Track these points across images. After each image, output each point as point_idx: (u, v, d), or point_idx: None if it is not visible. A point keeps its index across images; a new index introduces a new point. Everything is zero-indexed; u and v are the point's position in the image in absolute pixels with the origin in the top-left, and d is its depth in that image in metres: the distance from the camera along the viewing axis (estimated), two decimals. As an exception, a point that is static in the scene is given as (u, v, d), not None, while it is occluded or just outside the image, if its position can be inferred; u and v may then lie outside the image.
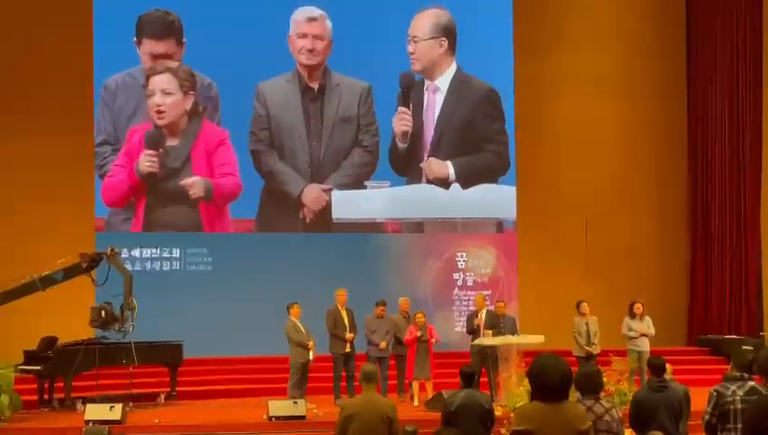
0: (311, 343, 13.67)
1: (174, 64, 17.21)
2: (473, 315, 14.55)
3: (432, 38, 18.35)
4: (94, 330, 14.10)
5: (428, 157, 18.27)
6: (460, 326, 16.88)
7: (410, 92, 18.18)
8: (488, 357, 13.84)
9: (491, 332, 14.03)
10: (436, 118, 18.35)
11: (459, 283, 18.42)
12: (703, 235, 19.20)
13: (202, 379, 15.70)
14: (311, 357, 13.67)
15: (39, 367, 13.46)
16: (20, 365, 13.33)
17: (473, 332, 14.30)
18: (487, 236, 18.65)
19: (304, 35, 17.81)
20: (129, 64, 17.24)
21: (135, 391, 13.76)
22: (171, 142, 17.24)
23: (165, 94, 17.15)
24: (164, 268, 17.21)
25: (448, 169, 18.26)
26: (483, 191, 18.44)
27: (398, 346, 14.38)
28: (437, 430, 7.51)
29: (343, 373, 14.11)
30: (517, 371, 12.75)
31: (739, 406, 6.68)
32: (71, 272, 13.61)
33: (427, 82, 18.37)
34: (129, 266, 15.17)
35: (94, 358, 13.47)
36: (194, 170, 17.25)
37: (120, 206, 17.07)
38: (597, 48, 19.19)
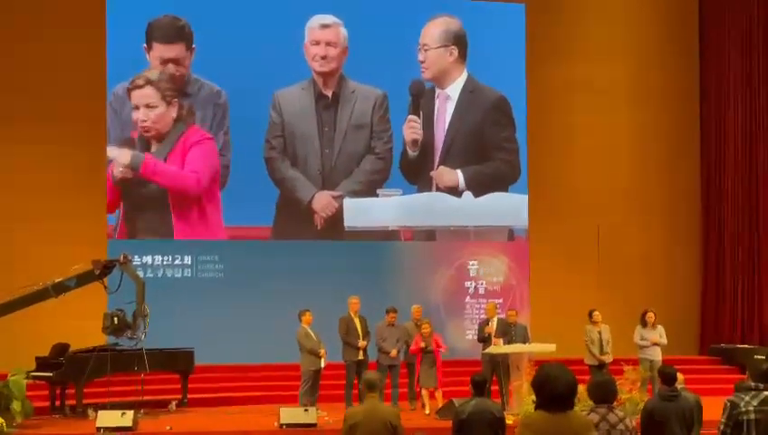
0: (322, 351, 13.66)
1: (155, 74, 17.21)
2: (484, 323, 14.53)
3: (442, 46, 18.37)
4: (106, 337, 14.11)
5: (438, 165, 18.28)
6: (471, 334, 16.86)
7: (420, 101, 18.20)
8: (499, 365, 13.82)
9: (501, 340, 14.02)
10: (446, 126, 18.37)
11: (471, 291, 18.40)
12: (715, 244, 19.15)
13: (213, 386, 15.70)
14: (322, 365, 13.67)
15: (51, 374, 13.49)
16: (32, 372, 13.35)
17: (484, 340, 14.28)
18: (499, 245, 18.63)
19: (317, 42, 17.87)
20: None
21: (146, 397, 13.77)
22: (154, 148, 17.28)
23: (148, 108, 17.19)
24: (176, 275, 17.23)
25: (458, 177, 18.27)
26: (494, 199, 18.44)
27: (410, 354, 14.37)
28: (448, 439, 7.50)
29: (355, 381, 14.09)
30: (528, 379, 12.71)
31: (753, 416, 6.66)
32: (83, 279, 13.64)
33: (437, 91, 18.38)
34: (140, 273, 15.20)
35: (106, 365, 13.48)
36: (172, 175, 17.24)
37: (110, 212, 17.10)
38: (609, 57, 19.18)
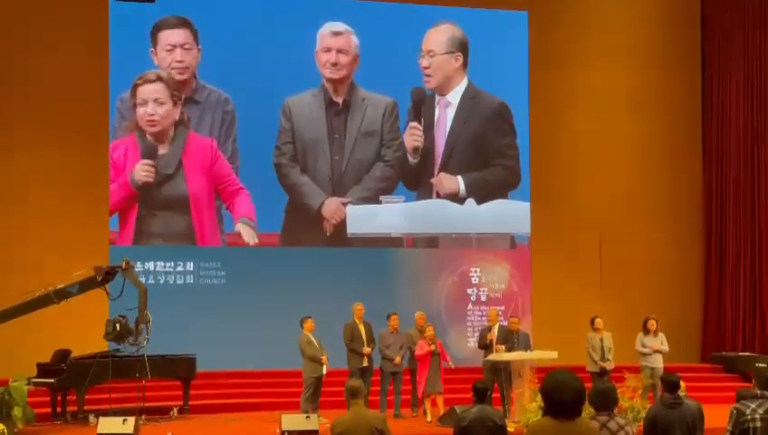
0: (324, 358, 13.66)
1: (164, 73, 17.27)
2: (485, 330, 14.51)
3: (448, 53, 18.41)
4: (108, 343, 14.11)
5: (439, 172, 18.29)
6: (474, 341, 16.85)
7: (422, 107, 18.23)
8: (501, 372, 13.81)
9: (503, 347, 14.00)
10: (447, 133, 18.39)
11: (473, 298, 18.40)
12: (717, 251, 19.14)
13: (215, 392, 15.69)
14: (324, 371, 13.66)
15: (52, 380, 13.49)
16: (33, 378, 13.34)
17: (485, 347, 14.25)
18: (501, 252, 18.64)
19: (329, 49, 17.93)
20: (144, 78, 17.32)
21: (148, 404, 13.77)
22: (161, 151, 17.30)
23: (157, 104, 17.21)
24: (178, 281, 17.23)
25: (459, 184, 18.28)
26: (497, 206, 18.45)
27: (414, 361, 14.35)
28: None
29: (359, 388, 14.06)
30: (530, 386, 12.70)
31: (759, 424, 6.67)
32: (85, 285, 13.62)
33: (437, 97, 18.41)
34: (142, 279, 15.20)
35: (107, 371, 13.47)
36: (187, 179, 17.27)
37: (116, 214, 17.08)
38: (611, 63, 19.20)
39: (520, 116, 18.69)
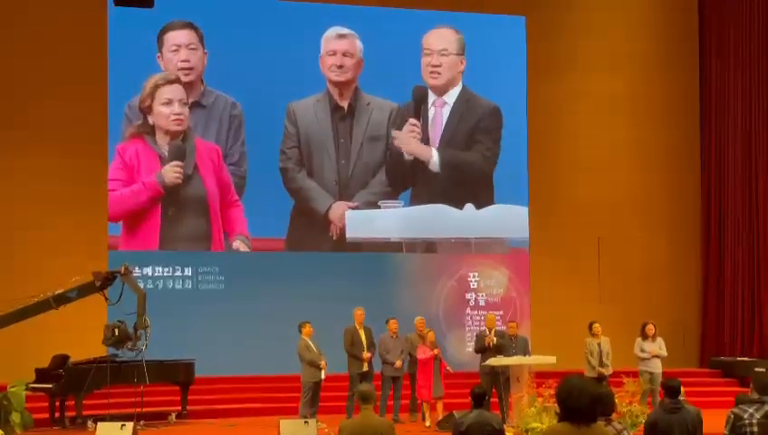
0: (322, 363, 13.65)
1: (181, 75, 17.37)
2: (482, 334, 14.49)
3: (457, 54, 18.46)
4: (106, 348, 14.11)
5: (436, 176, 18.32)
6: (472, 346, 16.83)
7: (422, 106, 18.27)
8: (499, 377, 13.80)
9: (494, 338, 14.06)
10: (441, 132, 18.40)
11: (471, 302, 18.40)
12: (716, 256, 19.14)
13: (213, 398, 15.70)
14: (322, 376, 13.65)
15: (50, 385, 13.50)
16: (31, 383, 13.32)
17: (483, 350, 14.23)
18: (500, 257, 18.64)
19: (333, 52, 17.97)
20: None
21: (146, 409, 13.76)
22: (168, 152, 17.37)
23: (182, 104, 17.26)
24: (176, 286, 17.23)
25: (432, 153, 18.28)
26: (495, 211, 18.47)
27: (414, 366, 14.36)
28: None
29: (358, 393, 14.06)
30: (529, 391, 12.71)
31: (756, 429, 6.69)
32: (84, 290, 13.64)
33: (433, 97, 18.43)
34: (141, 285, 15.21)
35: (105, 376, 13.48)
36: (204, 181, 17.30)
37: (122, 220, 17.07)
38: (610, 69, 19.21)
39: (518, 121, 18.71)
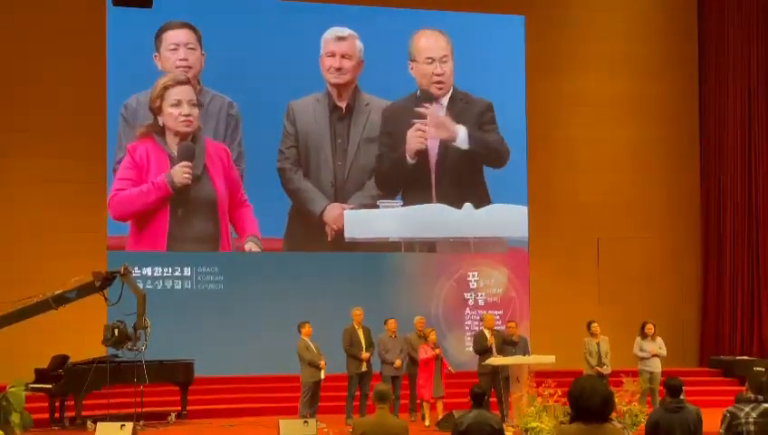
0: (322, 363, 13.65)
1: (190, 75, 17.38)
2: (481, 335, 14.48)
3: (450, 58, 18.45)
4: (106, 348, 14.11)
5: (435, 173, 18.25)
6: (471, 346, 16.84)
7: (429, 109, 18.26)
8: (499, 377, 13.80)
9: (493, 336, 14.12)
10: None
11: (471, 302, 18.40)
12: (715, 256, 19.15)
13: (213, 398, 15.70)
14: (322, 376, 13.65)
15: (50, 385, 13.50)
16: (31, 383, 13.31)
17: (484, 351, 14.22)
18: (499, 256, 18.64)
19: (333, 54, 17.97)
20: (142, 88, 17.25)
21: (146, 409, 13.76)
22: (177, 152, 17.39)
23: (191, 105, 17.30)
24: (175, 287, 17.23)
25: (458, 132, 18.31)
26: (494, 211, 18.46)
27: (412, 365, 14.36)
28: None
29: (357, 392, 14.09)
30: (528, 391, 12.71)
31: (752, 428, 6.69)
32: (84, 290, 13.63)
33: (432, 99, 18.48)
34: (140, 285, 15.20)
35: (105, 377, 13.48)
36: (213, 181, 17.33)
37: (131, 220, 17.07)
38: (610, 69, 19.21)
39: (517, 121, 18.71)
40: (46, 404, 13.83)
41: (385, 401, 7.37)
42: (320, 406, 13.87)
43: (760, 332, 18.24)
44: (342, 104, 18.00)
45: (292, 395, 14.60)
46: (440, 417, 13.65)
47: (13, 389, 12.17)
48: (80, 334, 15.13)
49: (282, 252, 17.61)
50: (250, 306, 16.94)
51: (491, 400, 13.60)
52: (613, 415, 6.41)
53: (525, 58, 18.88)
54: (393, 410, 14.09)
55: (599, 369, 14.31)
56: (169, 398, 14.76)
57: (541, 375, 13.09)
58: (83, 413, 13.55)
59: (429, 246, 18.42)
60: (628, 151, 19.27)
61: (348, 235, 17.83)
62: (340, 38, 18.07)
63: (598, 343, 14.52)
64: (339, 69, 17.97)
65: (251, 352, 16.53)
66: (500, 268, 18.60)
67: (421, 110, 18.24)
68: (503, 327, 15.60)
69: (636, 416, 12.13)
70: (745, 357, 17.91)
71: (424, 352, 14.01)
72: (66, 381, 13.50)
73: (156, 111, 17.19)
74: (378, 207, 18.04)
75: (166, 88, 17.21)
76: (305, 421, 12.75)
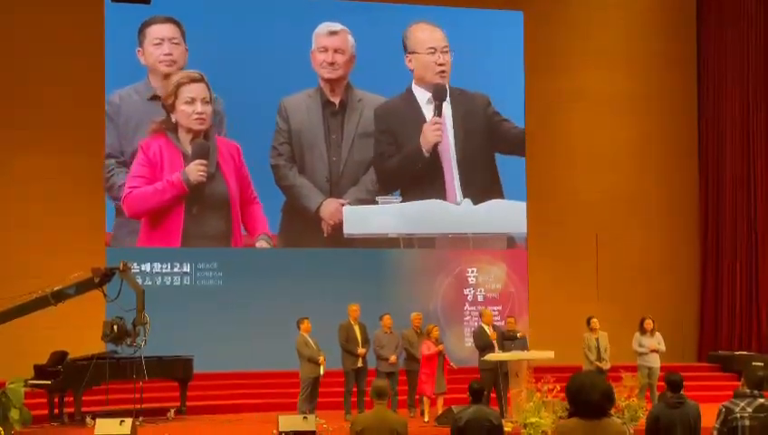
0: (321, 358, 13.66)
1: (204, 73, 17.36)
2: (480, 331, 14.49)
3: (448, 49, 18.46)
4: (105, 344, 14.12)
5: (450, 173, 18.24)
6: (471, 342, 16.84)
7: (443, 104, 18.24)
8: (498, 373, 13.81)
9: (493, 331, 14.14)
10: (451, 126, 18.40)
11: (470, 298, 18.41)
12: (714, 251, 19.17)
13: (212, 393, 15.69)
14: (321, 372, 13.67)
15: (49, 381, 13.50)
16: (30, 380, 13.32)
17: (484, 348, 14.22)
18: (498, 252, 18.65)
19: (325, 49, 17.94)
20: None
21: (145, 405, 13.77)
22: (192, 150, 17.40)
23: (203, 103, 17.31)
24: (175, 283, 17.23)
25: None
26: (493, 207, 18.47)
27: (409, 361, 14.36)
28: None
29: (354, 388, 14.11)
30: (527, 386, 12.72)
31: (747, 423, 6.70)
32: (83, 287, 13.63)
33: (428, 95, 18.43)
34: (140, 281, 15.20)
35: (104, 373, 13.48)
36: (226, 179, 17.35)
37: (144, 217, 17.05)
38: (609, 65, 19.23)
39: (516, 117, 18.71)
40: (45, 400, 13.83)
41: (383, 396, 7.36)
42: (319, 402, 13.88)
43: (758, 327, 18.26)
44: (335, 100, 17.98)
45: (291, 391, 14.60)
46: (440, 412, 13.65)
47: (12, 385, 12.20)
48: (79, 330, 15.14)
49: (282, 248, 17.59)
50: (249, 302, 16.93)
51: (490, 395, 13.61)
52: (612, 410, 6.43)
53: (524, 55, 18.86)
54: (390, 405, 14.13)
55: (598, 364, 14.32)
56: (169, 394, 14.77)
57: (540, 371, 13.11)
58: (83, 409, 13.54)
59: (428, 242, 18.41)
60: (626, 147, 19.28)
61: (347, 231, 17.83)
62: (333, 33, 18.04)
63: (597, 339, 14.53)
64: (332, 64, 17.94)
65: (250, 348, 16.52)
66: (499, 264, 18.61)
67: (435, 117, 18.20)
68: (502, 323, 15.59)
69: (635, 411, 12.16)
70: (744, 352, 17.91)
71: (427, 349, 14.00)
72: (65, 378, 13.49)
73: (169, 109, 17.20)
74: (377, 202, 18.03)
75: (179, 85, 17.21)
76: (304, 417, 12.74)
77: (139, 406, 13.49)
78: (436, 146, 18.24)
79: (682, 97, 19.56)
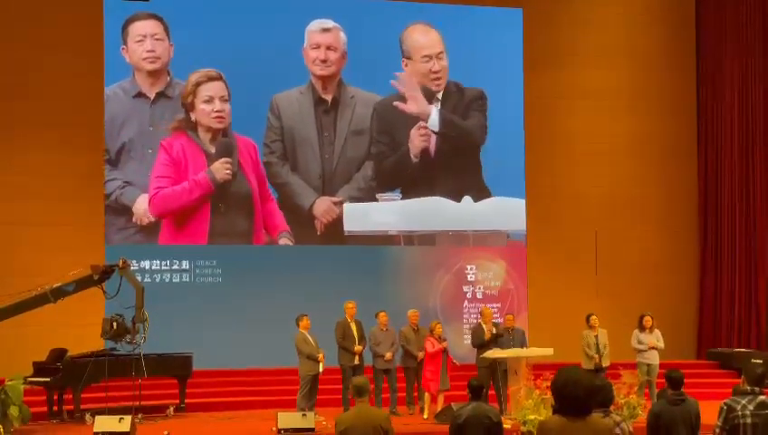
0: (320, 356, 13.66)
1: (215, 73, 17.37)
2: (479, 328, 14.49)
3: (443, 52, 18.42)
4: (105, 342, 14.11)
5: (435, 170, 18.27)
6: (470, 339, 16.85)
7: (432, 108, 18.25)
8: (497, 370, 13.81)
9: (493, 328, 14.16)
10: (438, 129, 18.36)
11: (469, 295, 18.41)
12: (713, 248, 19.18)
13: (211, 391, 15.70)
14: (320, 369, 13.66)
15: (48, 379, 13.49)
16: (29, 377, 13.32)
17: (482, 345, 14.23)
18: (497, 249, 18.65)
19: (317, 46, 17.90)
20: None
21: (144, 403, 13.77)
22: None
23: (222, 101, 17.32)
24: (174, 280, 17.22)
25: (431, 110, 18.25)
26: (493, 204, 18.46)
27: (407, 358, 14.36)
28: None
29: (351, 386, 14.10)
30: (526, 383, 12.72)
31: (749, 420, 6.70)
32: (82, 284, 13.63)
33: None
34: (139, 278, 15.19)
35: (103, 370, 13.48)
36: (247, 176, 17.38)
37: (168, 217, 17.06)
38: (608, 62, 19.22)
39: (515, 114, 18.70)
40: (45, 398, 13.83)
41: (364, 394, 7.33)
42: (318, 399, 13.88)
43: (757, 323, 18.26)
44: (327, 97, 17.94)
45: (290, 388, 14.59)
46: (439, 409, 13.65)
47: (11, 382, 12.22)
48: (78, 328, 15.13)
49: (281, 245, 17.59)
50: (248, 299, 16.92)
51: (489, 392, 13.62)
52: (612, 407, 6.42)
53: (523, 50, 18.85)
54: (390, 403, 14.13)
55: (597, 360, 14.33)
56: (168, 391, 14.76)
57: (539, 368, 13.10)
58: (82, 406, 13.55)
59: (428, 239, 18.41)
60: (626, 144, 19.27)
61: (347, 228, 17.82)
62: (326, 29, 18.00)
63: (596, 336, 14.54)
64: (324, 60, 17.90)
65: (249, 345, 16.51)
66: (498, 261, 18.61)
67: (421, 122, 18.17)
68: (500, 320, 15.60)
69: (634, 408, 12.16)
70: (743, 349, 17.92)
71: (431, 346, 13.99)
72: (65, 375, 13.49)
73: (188, 108, 17.20)
74: (376, 199, 18.02)
75: (198, 84, 17.22)
76: (303, 414, 12.77)
77: (138, 403, 13.50)
78: (425, 150, 18.21)
79: (682, 92, 19.56)
